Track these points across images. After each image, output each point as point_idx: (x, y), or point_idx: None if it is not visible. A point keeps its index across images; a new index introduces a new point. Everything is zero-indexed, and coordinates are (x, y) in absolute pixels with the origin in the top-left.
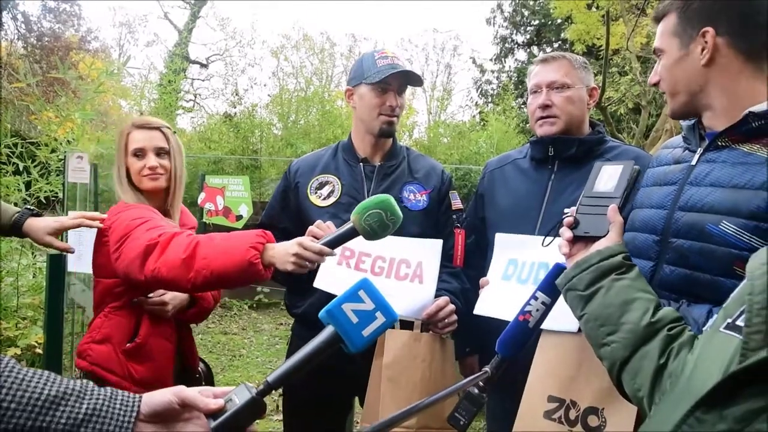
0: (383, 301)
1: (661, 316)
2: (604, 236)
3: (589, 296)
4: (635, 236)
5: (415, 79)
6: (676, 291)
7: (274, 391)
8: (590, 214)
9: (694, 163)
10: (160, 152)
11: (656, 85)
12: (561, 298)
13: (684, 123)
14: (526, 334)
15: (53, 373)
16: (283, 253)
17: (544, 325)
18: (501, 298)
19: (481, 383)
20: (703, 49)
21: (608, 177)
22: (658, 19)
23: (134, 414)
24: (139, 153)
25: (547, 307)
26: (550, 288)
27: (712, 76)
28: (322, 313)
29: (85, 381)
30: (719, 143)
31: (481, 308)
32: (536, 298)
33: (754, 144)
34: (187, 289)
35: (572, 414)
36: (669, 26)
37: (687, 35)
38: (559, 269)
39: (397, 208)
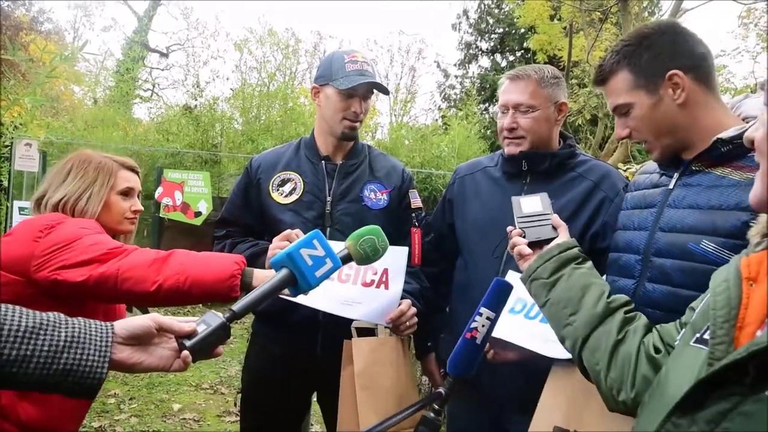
0: (331, 250)
1: (614, 298)
2: (553, 239)
3: (553, 283)
4: (619, 257)
5: (381, 89)
6: (660, 307)
7: (232, 389)
8: (532, 227)
9: (671, 186)
10: (138, 195)
11: (627, 137)
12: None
13: None
14: (474, 351)
15: (20, 306)
16: (267, 275)
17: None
18: (509, 326)
19: (436, 406)
20: (674, 91)
21: (530, 203)
22: (603, 81)
23: (110, 338)
24: (128, 193)
25: (492, 322)
26: (494, 303)
27: (688, 112)
28: (278, 257)
29: (56, 313)
30: (693, 168)
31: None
32: (481, 314)
33: (725, 168)
34: (147, 292)
35: None
36: (625, 83)
37: (652, 83)
38: (499, 283)
39: (385, 236)
